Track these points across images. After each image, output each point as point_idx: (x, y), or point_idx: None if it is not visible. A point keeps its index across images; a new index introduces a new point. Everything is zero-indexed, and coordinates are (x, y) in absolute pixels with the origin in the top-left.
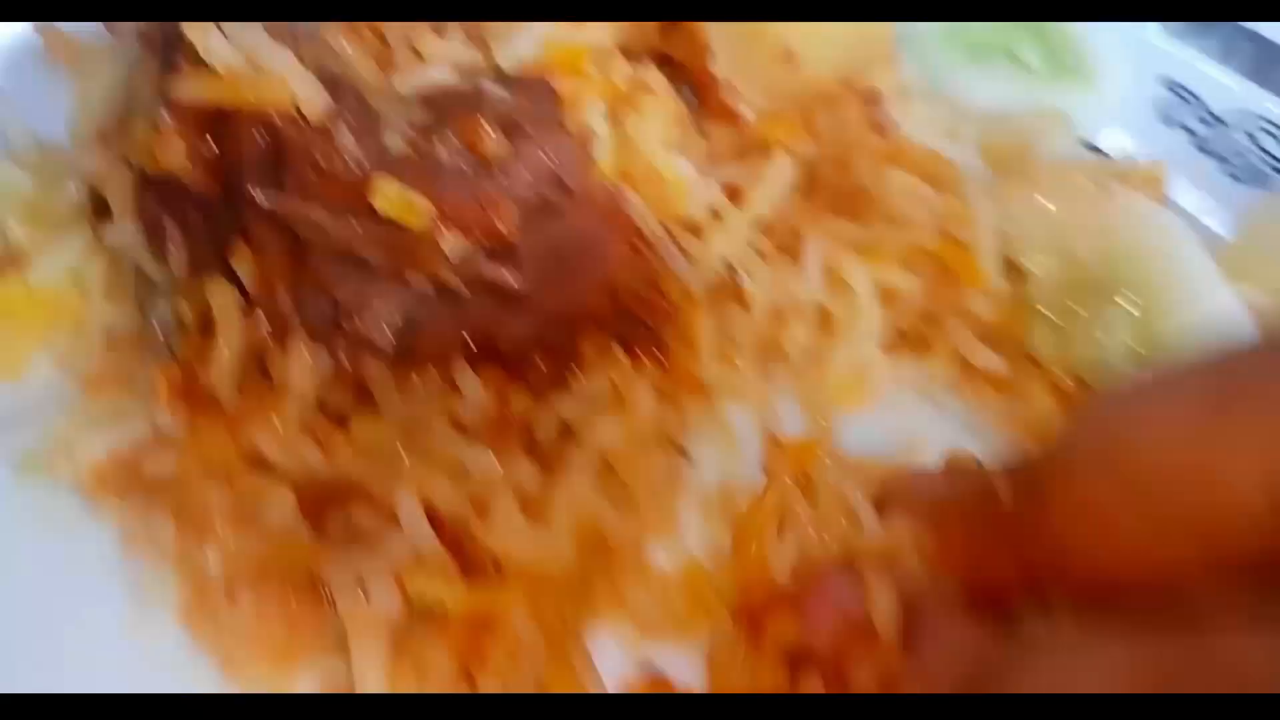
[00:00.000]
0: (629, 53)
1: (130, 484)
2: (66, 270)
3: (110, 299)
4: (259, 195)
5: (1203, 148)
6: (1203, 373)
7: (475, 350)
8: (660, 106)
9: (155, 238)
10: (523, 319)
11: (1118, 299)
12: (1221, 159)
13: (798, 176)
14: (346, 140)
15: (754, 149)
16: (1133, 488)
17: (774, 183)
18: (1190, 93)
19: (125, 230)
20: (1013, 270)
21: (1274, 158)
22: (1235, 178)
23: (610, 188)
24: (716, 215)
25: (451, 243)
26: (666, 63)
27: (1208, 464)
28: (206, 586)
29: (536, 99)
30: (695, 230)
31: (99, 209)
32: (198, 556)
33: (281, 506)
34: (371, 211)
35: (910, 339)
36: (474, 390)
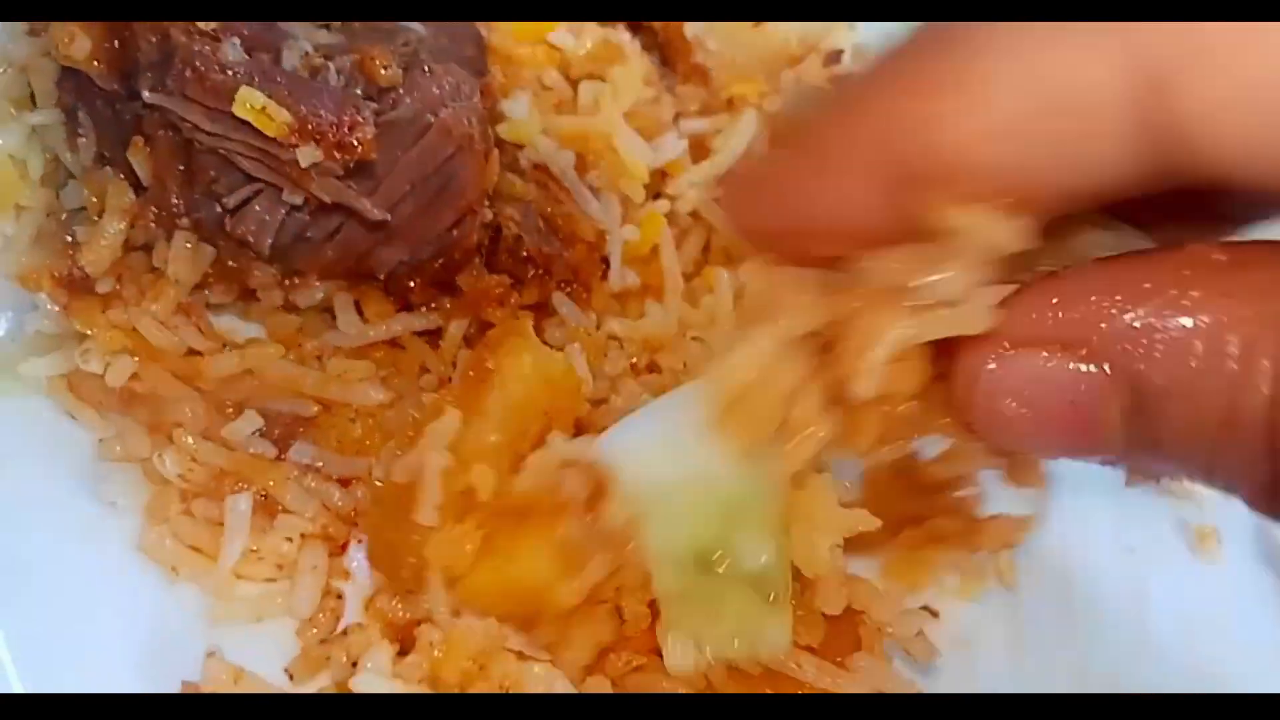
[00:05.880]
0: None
1: (106, 394)
2: (6, 155)
3: (46, 185)
4: (145, 92)
5: None
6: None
7: (354, 273)
8: (628, 78)
9: (71, 125)
10: (396, 246)
11: None
12: None
13: (763, 132)
14: (234, 52)
15: (720, 106)
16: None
17: (738, 137)
18: None
19: (48, 115)
20: None
21: None
22: None
23: (480, 127)
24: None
25: (308, 154)
26: (638, 27)
27: None
28: (166, 494)
29: (457, 39)
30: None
31: (33, 98)
32: (159, 465)
33: (248, 425)
34: (243, 119)
35: None
36: (349, 315)
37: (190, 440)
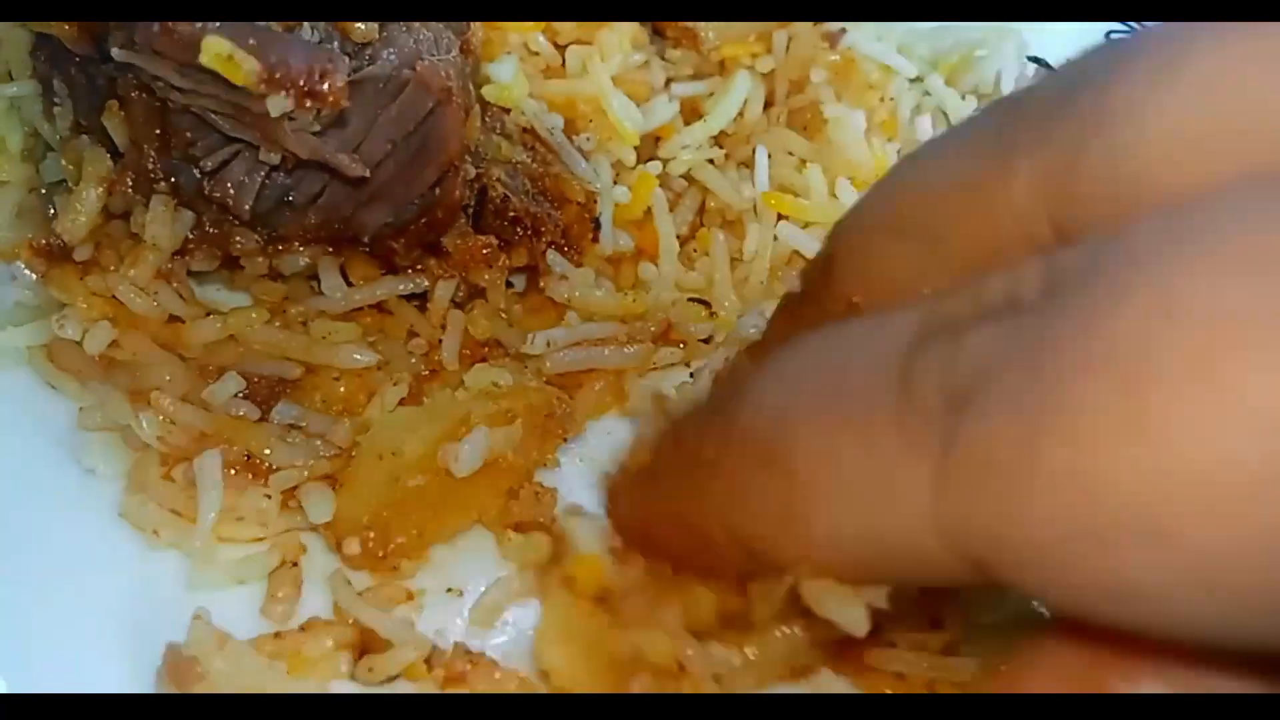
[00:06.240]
0: None
1: (86, 363)
2: None
3: (25, 159)
4: (115, 50)
5: None
6: (982, 119)
7: (339, 236)
8: (616, 42)
9: (47, 96)
10: (379, 206)
11: None
12: None
13: (756, 92)
14: None
15: (712, 69)
16: (907, 224)
17: (732, 99)
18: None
19: (24, 87)
20: None
21: None
22: None
23: (459, 81)
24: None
25: (278, 103)
26: None
27: (982, 187)
28: (146, 459)
29: None
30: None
31: (10, 74)
32: (142, 428)
33: (229, 387)
34: (215, 72)
35: None
36: (334, 280)
37: (168, 403)
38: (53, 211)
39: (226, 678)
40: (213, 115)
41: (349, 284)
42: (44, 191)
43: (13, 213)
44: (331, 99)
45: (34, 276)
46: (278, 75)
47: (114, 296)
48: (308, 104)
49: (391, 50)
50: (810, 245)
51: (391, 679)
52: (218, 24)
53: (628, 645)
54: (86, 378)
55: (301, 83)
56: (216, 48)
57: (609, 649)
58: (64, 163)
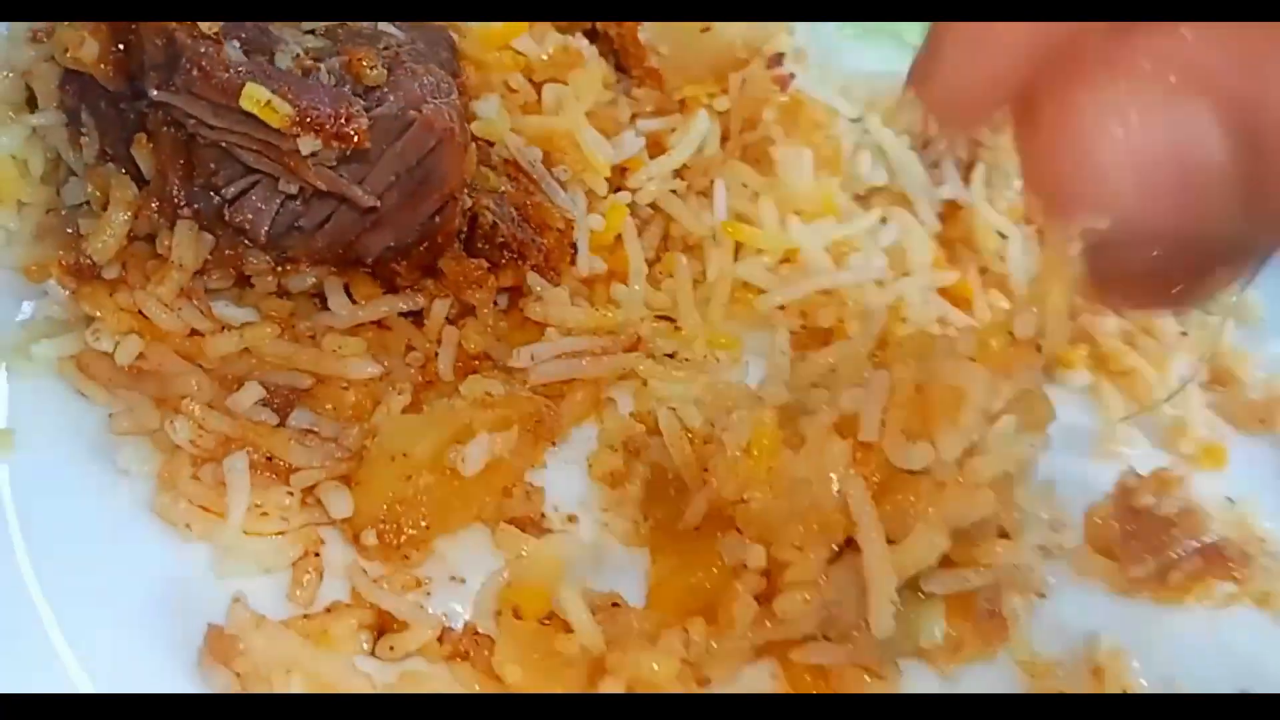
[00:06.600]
0: (561, 25)
1: (114, 371)
2: (8, 155)
3: (46, 182)
4: (153, 90)
5: None
6: None
7: (343, 258)
8: (587, 81)
9: (73, 126)
10: (382, 232)
11: None
12: None
13: (713, 129)
14: (235, 53)
15: (673, 107)
16: None
17: (692, 135)
18: None
19: (49, 117)
20: None
21: None
22: None
23: (459, 122)
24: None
25: (308, 143)
26: (595, 34)
27: None
28: (176, 460)
29: (432, 43)
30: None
31: (32, 99)
32: (171, 432)
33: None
34: (248, 113)
35: None
36: (339, 298)
37: (198, 410)
38: (70, 232)
39: (264, 654)
40: (238, 149)
41: (353, 303)
42: (63, 213)
43: (33, 232)
44: (356, 139)
45: (64, 293)
46: (309, 119)
47: (140, 312)
48: (335, 145)
49: (398, 93)
50: (763, 277)
51: (409, 655)
52: (250, 69)
53: (575, 649)
54: (115, 386)
55: (329, 125)
56: (256, 94)
57: (560, 654)
58: (89, 188)
